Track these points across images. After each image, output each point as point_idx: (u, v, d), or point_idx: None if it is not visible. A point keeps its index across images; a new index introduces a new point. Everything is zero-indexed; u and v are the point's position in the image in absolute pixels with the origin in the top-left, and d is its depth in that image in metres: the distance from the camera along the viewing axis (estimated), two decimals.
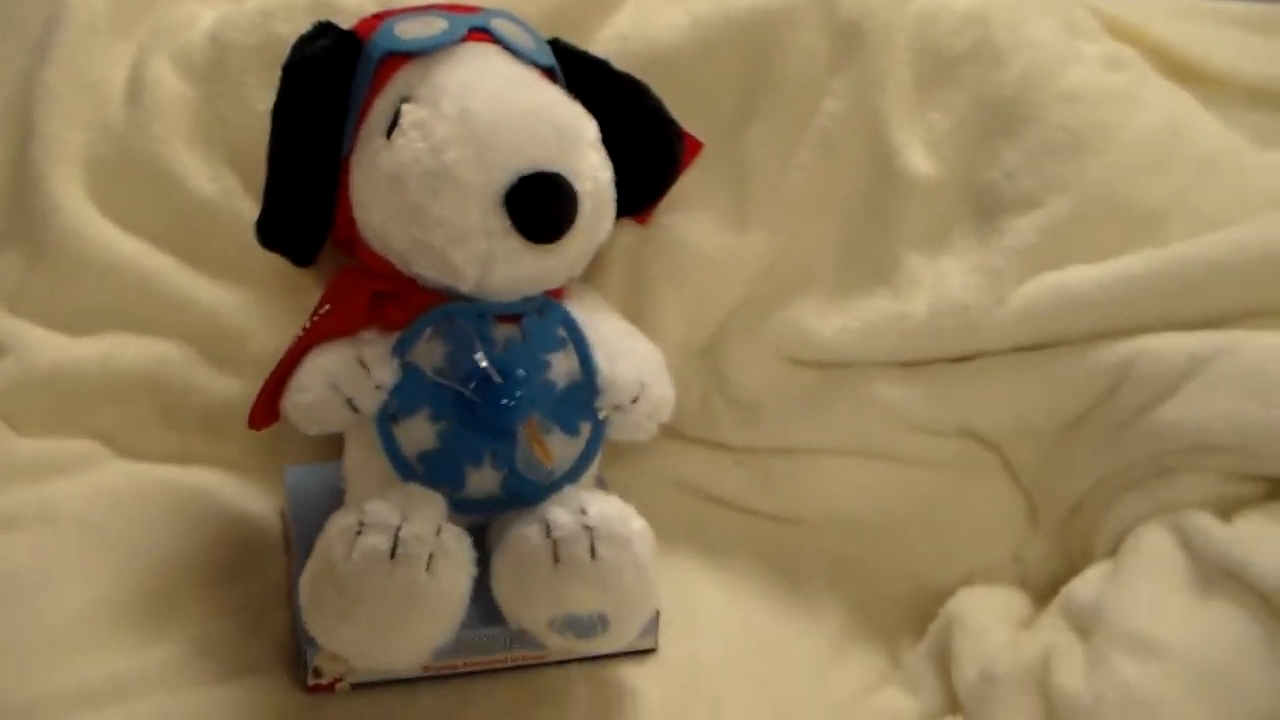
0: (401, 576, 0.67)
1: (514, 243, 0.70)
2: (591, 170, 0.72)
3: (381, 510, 0.68)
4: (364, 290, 0.74)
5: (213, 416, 0.86)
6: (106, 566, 0.78)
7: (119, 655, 0.72)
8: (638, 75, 0.83)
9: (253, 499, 0.87)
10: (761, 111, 0.86)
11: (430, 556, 0.67)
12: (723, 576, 0.85)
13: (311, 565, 0.69)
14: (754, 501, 0.90)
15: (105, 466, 0.85)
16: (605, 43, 0.87)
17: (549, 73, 0.76)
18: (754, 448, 0.89)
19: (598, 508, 0.71)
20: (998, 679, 0.69)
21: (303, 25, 0.78)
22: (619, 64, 0.84)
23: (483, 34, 0.75)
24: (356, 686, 0.75)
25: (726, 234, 0.87)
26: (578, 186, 0.70)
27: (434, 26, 0.74)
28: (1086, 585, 0.72)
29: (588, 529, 0.69)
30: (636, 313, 0.87)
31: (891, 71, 0.85)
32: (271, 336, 0.86)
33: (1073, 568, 0.78)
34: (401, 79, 0.73)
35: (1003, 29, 0.85)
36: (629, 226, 0.87)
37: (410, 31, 0.74)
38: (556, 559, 0.69)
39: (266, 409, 0.76)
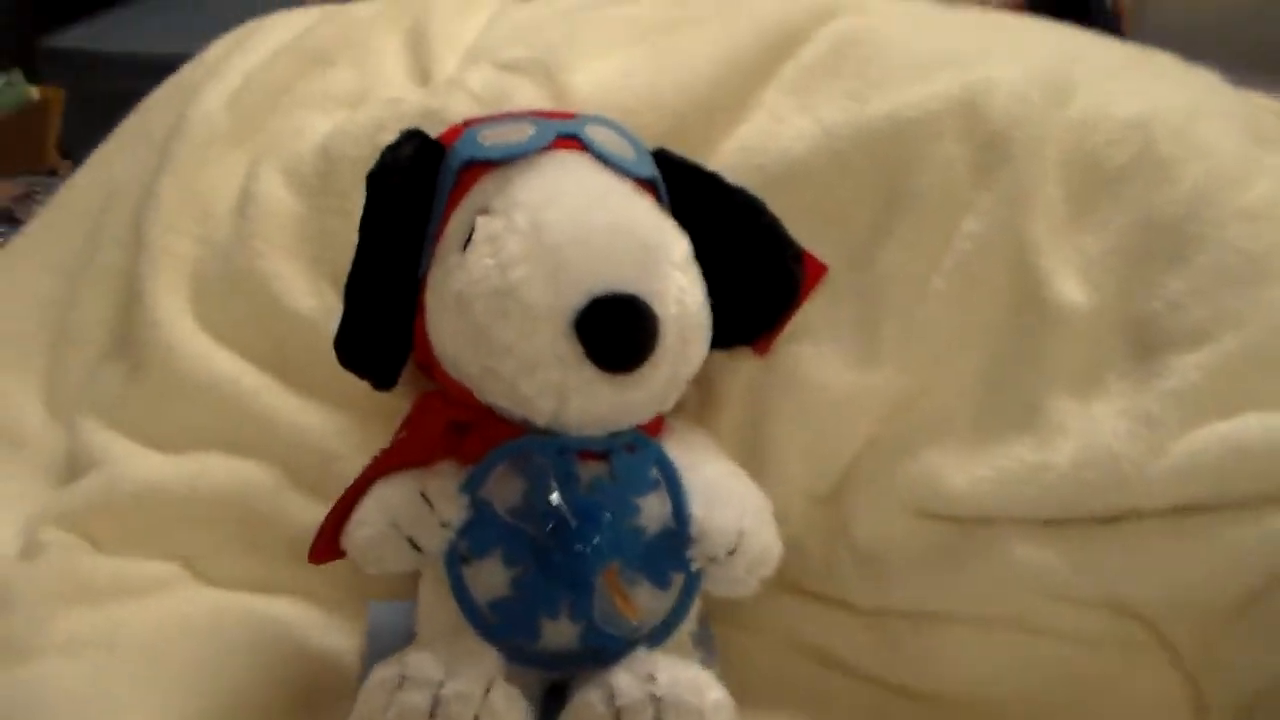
0: None
1: (588, 372, 0.65)
2: (677, 293, 0.67)
3: (424, 664, 0.64)
4: (440, 418, 0.71)
5: (298, 544, 0.82)
6: (167, 701, 0.75)
7: None
8: (760, 191, 0.78)
9: (334, 635, 0.83)
10: (896, 232, 0.79)
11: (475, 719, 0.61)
12: None
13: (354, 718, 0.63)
14: (879, 670, 0.81)
15: (182, 591, 0.84)
16: (727, 154, 0.83)
17: (649, 185, 0.73)
18: (881, 609, 0.81)
19: (669, 675, 0.64)
20: None
21: None
22: (739, 178, 0.79)
23: (573, 141, 0.71)
24: None
25: (854, 369, 0.80)
26: (659, 310, 0.65)
27: (520, 133, 0.71)
28: None
29: (655, 699, 0.63)
30: (753, 452, 0.81)
31: (1041, 188, 0.78)
32: (364, 461, 0.81)
33: None
34: (481, 190, 0.70)
35: (1170, 137, 0.77)
36: (748, 358, 0.81)
37: (494, 138, 0.71)
38: None
39: (328, 542, 0.73)
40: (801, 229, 0.78)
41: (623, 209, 0.68)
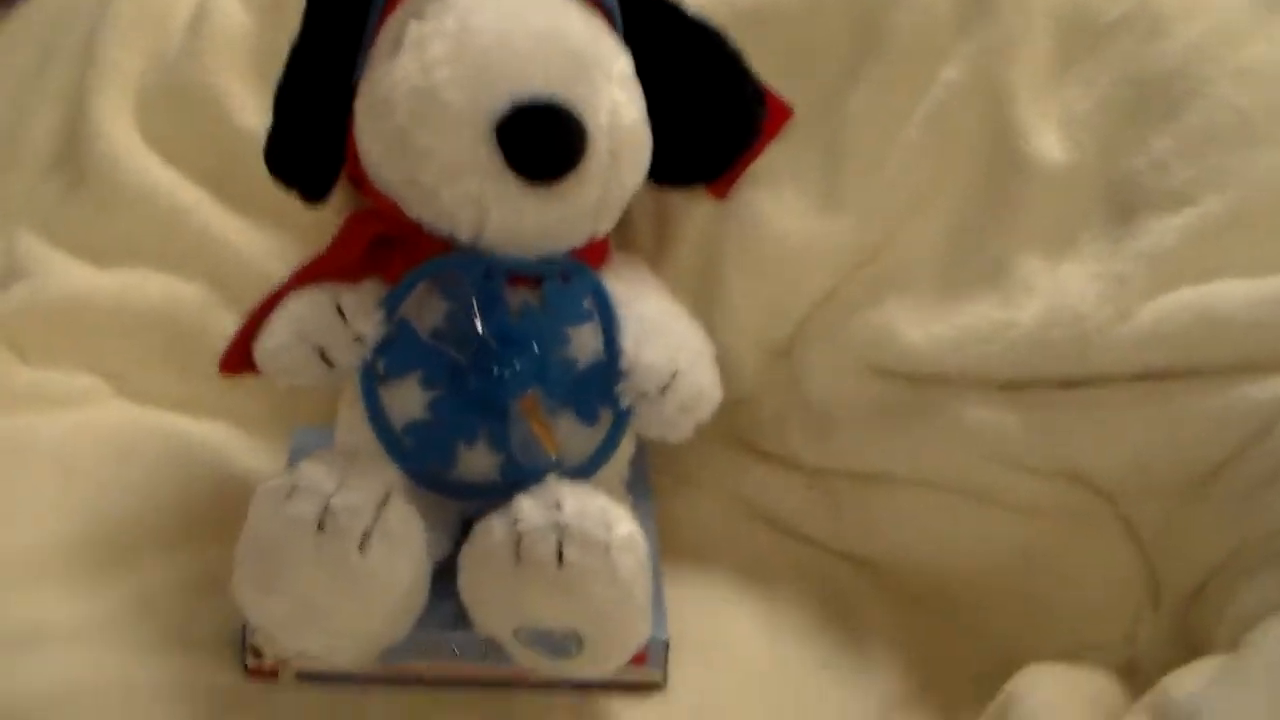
0: (328, 551, 0.57)
1: (510, 182, 0.60)
2: (609, 105, 0.62)
3: (316, 474, 0.59)
4: (365, 234, 0.66)
5: None
6: (69, 507, 0.73)
7: (48, 599, 0.67)
8: (730, 27, 0.73)
9: (256, 457, 0.80)
10: (868, 77, 0.74)
11: (365, 534, 0.58)
12: (766, 612, 0.73)
13: (244, 527, 0.60)
14: (818, 531, 0.78)
15: (102, 405, 0.81)
16: None
17: (602, 8, 0.67)
18: (826, 468, 0.77)
19: (577, 504, 0.60)
20: None
21: None
22: (711, 13, 0.73)
23: None
24: (303, 677, 0.66)
25: (815, 217, 0.75)
26: (587, 120, 0.60)
27: None
28: (1187, 681, 0.56)
29: (559, 526, 0.58)
30: (706, 299, 0.77)
31: (1026, 38, 0.72)
32: None
33: (1195, 657, 0.61)
34: None
35: None
36: (705, 201, 0.77)
37: None
38: (518, 558, 0.58)
39: (239, 353, 0.68)
40: (769, 69, 0.73)
41: (558, 17, 0.63)
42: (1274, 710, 0.52)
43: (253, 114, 0.81)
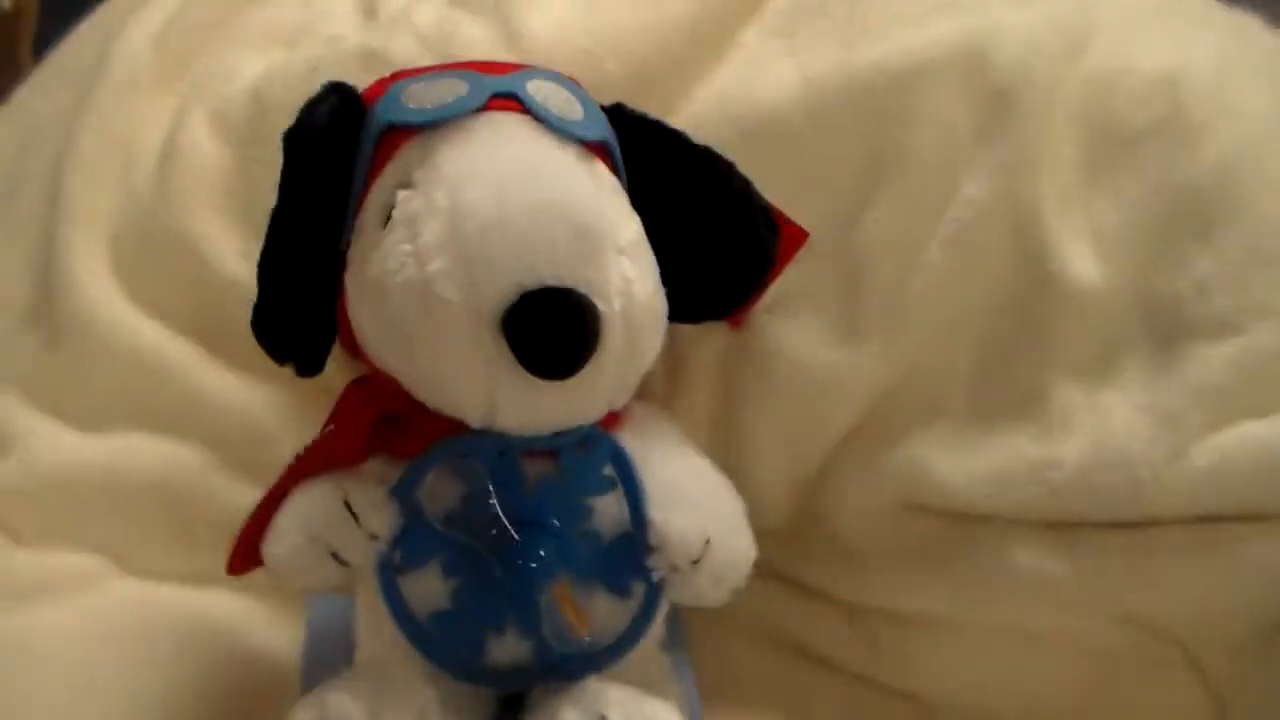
0: None
1: (520, 377, 0.56)
2: (622, 284, 0.58)
3: (346, 708, 0.56)
4: (367, 413, 0.63)
5: (230, 531, 0.75)
6: (87, 711, 0.69)
7: None
8: (736, 145, 0.69)
9: (272, 630, 0.77)
10: (885, 195, 0.70)
11: None
12: None
13: None
14: (860, 667, 0.75)
15: (106, 586, 0.77)
16: (702, 103, 0.74)
17: (600, 148, 0.63)
18: (861, 604, 0.75)
19: (622, 713, 0.57)
20: None
21: (353, 81, 0.66)
22: (713, 130, 0.70)
23: (512, 101, 0.61)
24: None
25: (837, 347, 0.72)
26: (600, 305, 0.56)
27: (450, 92, 0.61)
28: None
29: None
30: (727, 437, 0.74)
31: (1051, 150, 0.69)
32: (299, 441, 0.73)
33: None
34: (403, 158, 0.61)
35: (1199, 96, 0.68)
36: (719, 332, 0.74)
37: (419, 98, 0.61)
38: None
39: (246, 553, 0.65)
40: (780, 189, 0.69)
41: (558, 185, 0.58)
42: None
43: (233, 260, 0.77)
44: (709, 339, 0.73)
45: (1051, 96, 0.68)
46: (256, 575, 0.75)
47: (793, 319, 0.72)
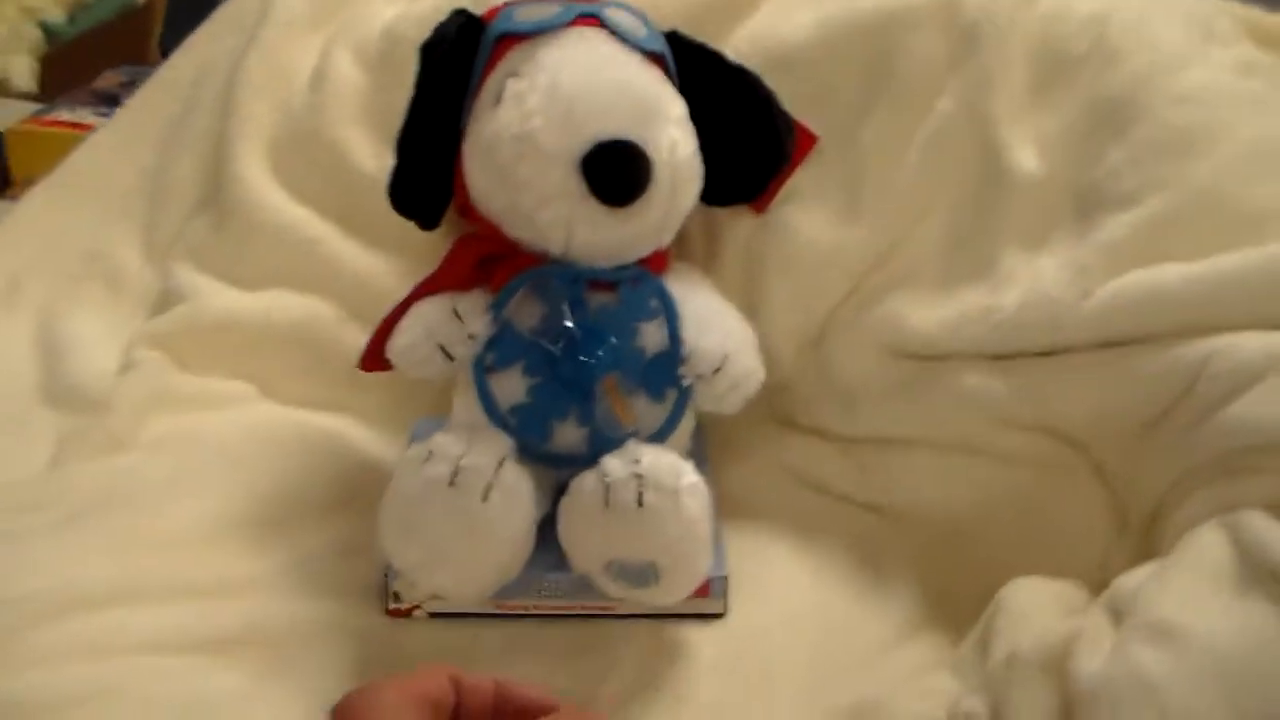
0: (458, 502, 0.73)
1: (592, 206, 0.76)
2: (669, 143, 0.78)
3: (447, 442, 0.75)
4: (473, 251, 0.82)
5: (356, 369, 0.93)
6: (233, 487, 0.87)
7: (227, 560, 0.81)
8: (762, 71, 0.88)
9: (380, 445, 0.95)
10: (878, 110, 0.90)
11: (488, 488, 0.73)
12: (807, 557, 0.88)
13: (389, 489, 0.75)
14: (849, 489, 0.92)
15: (253, 406, 0.96)
16: (738, 42, 0.93)
17: (658, 59, 0.83)
18: (854, 437, 0.92)
19: (651, 458, 0.75)
20: (1021, 660, 0.69)
21: None
22: (748, 61, 0.89)
23: (593, 20, 0.81)
24: (434, 615, 0.81)
25: (839, 227, 0.90)
26: (653, 156, 0.76)
27: (547, 11, 0.81)
28: (1132, 577, 0.71)
29: (637, 476, 0.73)
30: (750, 300, 0.92)
31: (1006, 73, 0.88)
32: None
33: None
34: (512, 58, 0.80)
35: (1123, 30, 0.87)
36: (746, 217, 0.92)
37: (525, 15, 0.81)
38: (607, 503, 0.73)
39: (375, 353, 0.84)
40: (796, 106, 0.88)
41: (626, 72, 0.78)
42: (1192, 584, 0.66)
43: (368, 158, 0.97)
44: (738, 222, 0.92)
45: (1009, 33, 0.87)
46: (372, 406, 0.95)
47: (803, 206, 0.90)
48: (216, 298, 0.97)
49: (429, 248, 0.93)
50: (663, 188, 0.77)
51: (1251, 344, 0.73)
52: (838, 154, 0.90)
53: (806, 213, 0.90)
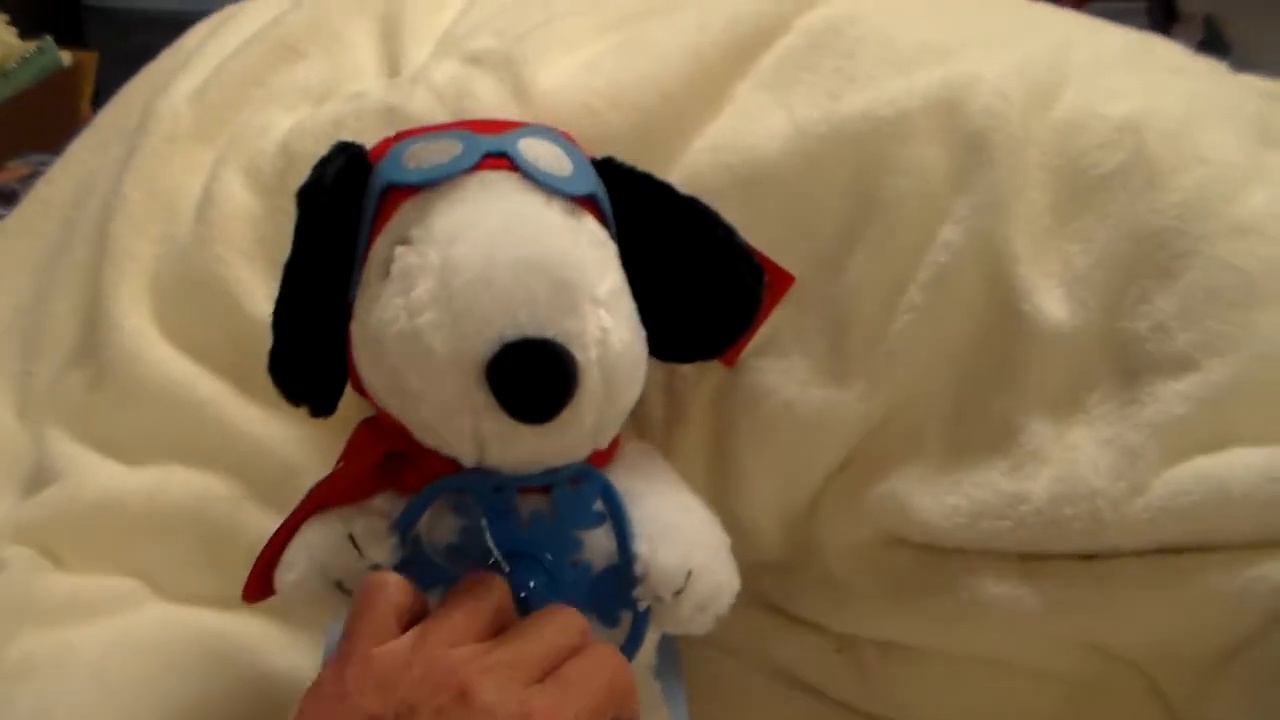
0: None
1: (504, 421, 0.60)
2: (598, 334, 0.61)
3: None
4: (373, 452, 0.66)
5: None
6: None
7: None
8: (729, 192, 0.74)
9: (294, 653, 0.80)
10: (868, 240, 0.73)
11: None
12: None
13: None
14: (849, 697, 0.77)
15: (139, 609, 0.81)
16: (697, 153, 0.76)
17: (589, 201, 0.66)
18: (851, 635, 0.76)
19: None
20: None
21: (374, 136, 0.70)
22: (709, 178, 0.74)
23: (502, 160, 0.64)
24: None
25: (822, 385, 0.74)
26: (577, 354, 0.59)
27: (445, 153, 0.64)
28: None
29: None
30: (721, 471, 0.77)
31: (1023, 195, 0.71)
32: (326, 473, 0.77)
33: None
34: (402, 216, 0.64)
35: (1163, 141, 0.69)
36: (713, 372, 0.77)
37: (417, 159, 0.65)
38: None
39: (260, 582, 0.68)
40: (770, 233, 0.72)
41: (540, 241, 0.61)
42: None
43: (264, 301, 0.81)
44: (705, 377, 0.76)
45: (1023, 143, 0.70)
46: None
47: (782, 359, 0.74)
48: (95, 474, 0.82)
49: (342, 410, 0.75)
50: (593, 392, 0.61)
51: None
52: (819, 294, 0.73)
53: (784, 369, 0.74)
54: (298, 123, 0.83)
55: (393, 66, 0.86)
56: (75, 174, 0.96)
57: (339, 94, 0.85)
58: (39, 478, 0.84)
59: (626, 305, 0.64)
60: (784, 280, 0.73)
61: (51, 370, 0.88)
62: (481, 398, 0.59)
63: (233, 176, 0.84)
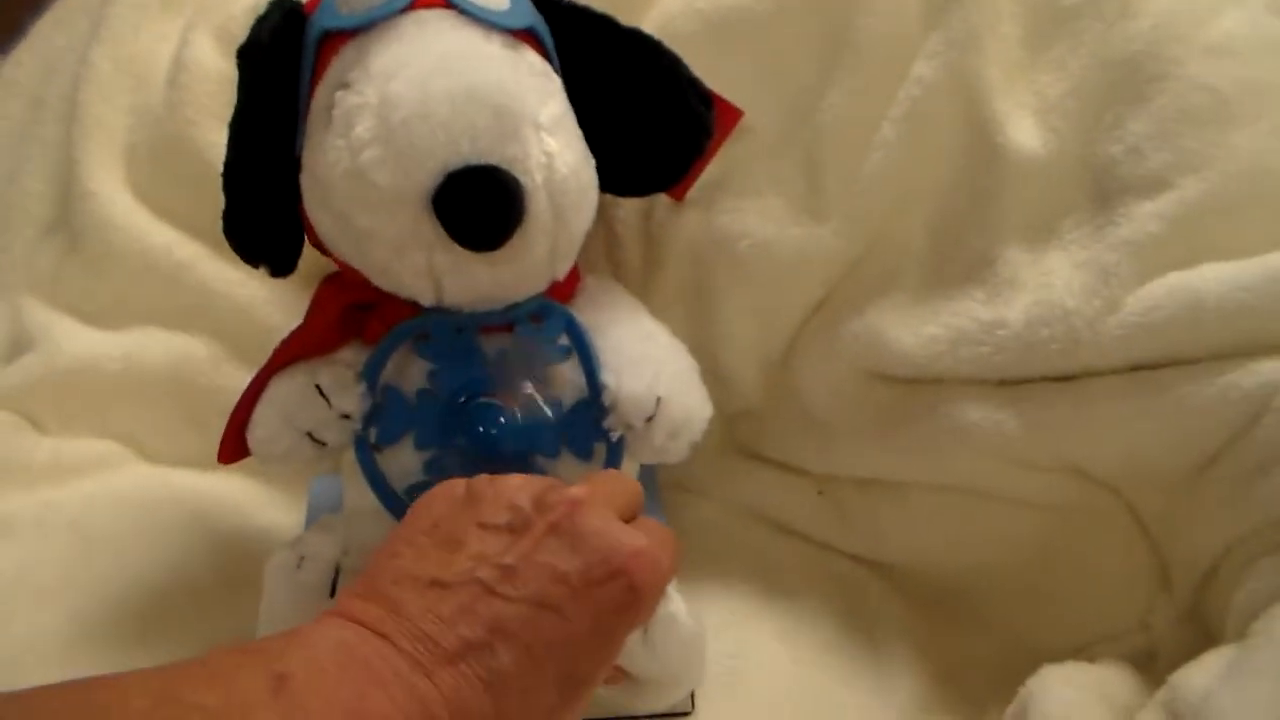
0: None
1: (456, 252, 0.59)
2: (543, 158, 0.60)
3: (320, 543, 0.62)
4: (336, 303, 0.66)
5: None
6: (93, 580, 0.73)
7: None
8: (700, 37, 0.73)
9: (274, 510, 0.81)
10: (841, 79, 0.72)
11: None
12: (786, 625, 0.73)
13: (261, 602, 0.61)
14: (830, 537, 0.78)
15: (122, 471, 0.81)
16: (669, 5, 0.76)
17: (528, 35, 0.65)
18: (830, 474, 0.77)
19: None
20: None
21: None
22: (684, 25, 0.74)
23: None
24: None
25: (799, 225, 0.74)
26: (523, 179, 0.59)
27: None
28: (1198, 675, 0.56)
29: None
30: (701, 315, 0.77)
31: (994, 27, 0.70)
32: None
33: (1211, 641, 0.62)
34: (340, 61, 0.62)
35: None
36: (691, 215, 0.76)
37: (352, 3, 0.63)
38: None
39: (233, 442, 0.67)
40: (743, 77, 0.72)
41: (477, 71, 0.60)
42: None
43: None
44: (682, 222, 0.75)
45: None
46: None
47: (758, 200, 0.74)
48: (72, 340, 0.81)
49: (318, 267, 0.75)
50: (541, 217, 0.60)
51: None
52: (794, 135, 0.73)
53: (761, 210, 0.73)
54: None
55: None
56: (41, 52, 0.94)
57: None
58: (16, 346, 0.83)
59: (572, 131, 0.63)
60: (733, 114, 0.72)
61: (24, 242, 0.86)
62: (430, 229, 0.58)
63: (203, 40, 0.83)
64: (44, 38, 0.95)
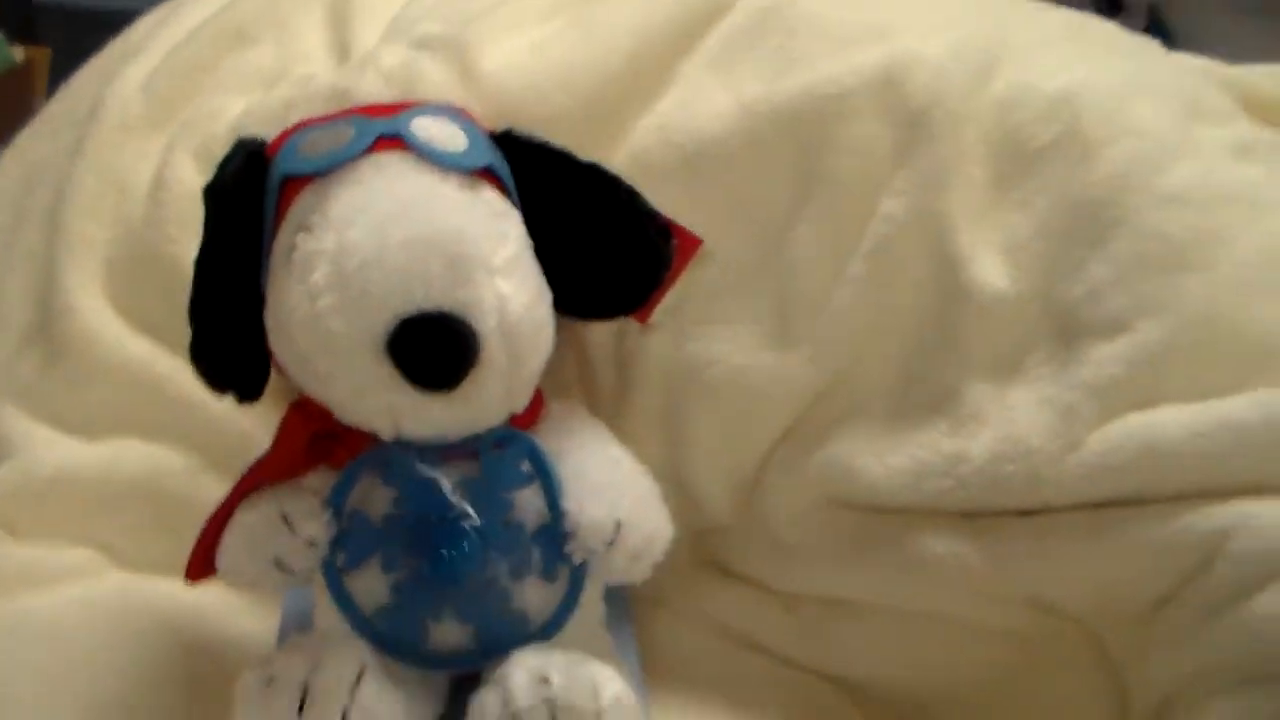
0: None
1: (412, 394, 0.61)
2: (496, 301, 0.62)
3: (291, 662, 0.62)
4: (303, 432, 0.67)
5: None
6: (67, 690, 0.73)
7: None
8: (676, 170, 0.75)
9: (248, 618, 0.81)
10: (811, 214, 0.74)
11: (344, 713, 0.61)
12: None
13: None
14: (793, 653, 0.79)
15: (96, 578, 0.81)
16: (645, 131, 0.77)
17: (487, 174, 0.67)
18: (797, 594, 0.78)
19: (563, 677, 0.61)
20: None
21: None
22: (657, 157, 0.76)
23: (395, 141, 0.65)
24: None
25: (769, 353, 0.75)
26: (475, 324, 0.61)
27: (338, 139, 0.65)
28: None
29: (548, 702, 0.60)
30: (673, 437, 0.78)
31: (961, 168, 0.72)
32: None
33: None
34: (301, 204, 0.64)
35: (1096, 113, 0.71)
36: (663, 341, 0.78)
37: (310, 148, 0.65)
38: None
39: (202, 562, 0.69)
40: (716, 209, 0.74)
41: (432, 217, 0.62)
42: None
43: None
44: (654, 349, 0.77)
45: (962, 119, 0.72)
46: None
47: (730, 329, 0.75)
48: (51, 450, 0.82)
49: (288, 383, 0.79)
50: (496, 358, 0.62)
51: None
52: (765, 268, 0.75)
53: (731, 337, 0.75)
54: (249, 106, 0.83)
55: (343, 51, 0.86)
56: (25, 162, 0.95)
57: (287, 78, 0.84)
58: None
59: (527, 271, 0.65)
60: (692, 243, 0.74)
61: (6, 353, 0.87)
62: (387, 373, 0.60)
63: (184, 159, 0.84)
64: (28, 149, 0.96)
